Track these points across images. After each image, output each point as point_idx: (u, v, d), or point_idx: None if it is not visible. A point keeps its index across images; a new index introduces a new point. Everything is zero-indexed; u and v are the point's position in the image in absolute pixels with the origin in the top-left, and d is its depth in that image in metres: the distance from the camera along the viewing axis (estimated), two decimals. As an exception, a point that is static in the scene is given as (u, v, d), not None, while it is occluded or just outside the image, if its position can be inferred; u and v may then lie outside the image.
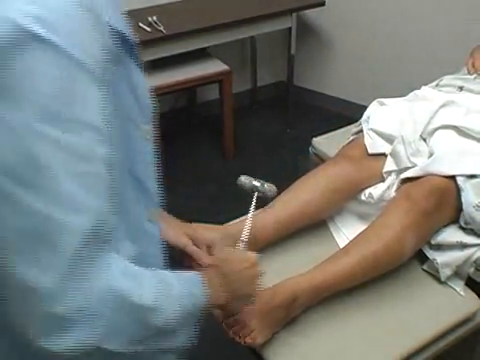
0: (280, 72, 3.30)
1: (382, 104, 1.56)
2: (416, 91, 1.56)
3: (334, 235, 1.43)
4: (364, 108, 3.12)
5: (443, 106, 1.38)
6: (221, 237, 1.21)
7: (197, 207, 2.55)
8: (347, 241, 1.36)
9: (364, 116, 1.53)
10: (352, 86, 3.19)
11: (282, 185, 2.58)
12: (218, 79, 2.68)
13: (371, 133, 1.44)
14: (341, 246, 1.36)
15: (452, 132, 1.30)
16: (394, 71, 2.96)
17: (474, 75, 1.56)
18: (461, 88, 1.53)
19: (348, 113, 3.16)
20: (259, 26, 2.70)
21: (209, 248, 1.17)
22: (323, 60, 3.27)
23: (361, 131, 1.51)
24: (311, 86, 3.36)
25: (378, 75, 3.04)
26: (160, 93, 2.58)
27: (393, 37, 2.90)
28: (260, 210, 1.39)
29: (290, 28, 2.82)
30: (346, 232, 1.41)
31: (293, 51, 2.92)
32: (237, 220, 1.43)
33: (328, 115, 3.25)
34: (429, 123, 1.37)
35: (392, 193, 1.40)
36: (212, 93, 3.11)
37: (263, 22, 2.69)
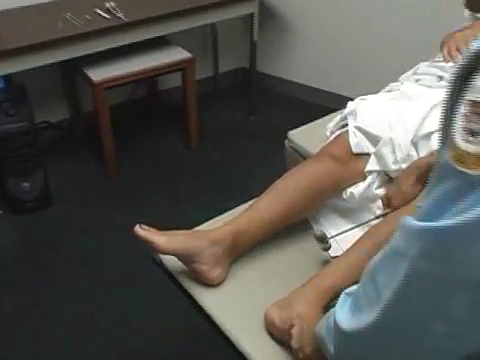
0: (242, 58, 3.23)
1: (364, 100, 1.51)
2: (401, 87, 1.51)
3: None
4: (327, 94, 3.16)
5: (435, 107, 1.35)
6: (208, 245, 1.16)
7: (164, 202, 2.47)
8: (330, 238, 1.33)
9: (347, 110, 1.48)
10: (315, 71, 3.16)
11: (250, 174, 2.59)
12: (181, 67, 2.59)
13: (356, 132, 1.40)
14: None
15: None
16: (359, 56, 2.95)
17: (450, 63, 1.54)
18: (441, 78, 1.51)
19: (311, 99, 3.14)
20: (221, 12, 2.62)
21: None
22: (286, 46, 3.22)
23: (344, 126, 1.47)
24: (273, 72, 3.31)
25: (342, 60, 3.02)
26: (121, 83, 2.47)
27: (357, 22, 2.88)
28: (241, 210, 1.35)
29: (252, 14, 2.76)
30: (329, 229, 1.37)
31: (255, 37, 2.86)
32: (211, 221, 1.39)
33: (291, 101, 3.22)
34: (421, 127, 1.33)
35: (373, 191, 1.38)
36: (172, 81, 3.02)
37: (225, 8, 2.61)
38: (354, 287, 0.77)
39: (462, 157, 0.53)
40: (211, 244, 1.16)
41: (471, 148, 0.52)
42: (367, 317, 0.66)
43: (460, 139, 0.53)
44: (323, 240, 1.28)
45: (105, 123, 2.47)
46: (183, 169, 2.71)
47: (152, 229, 1.15)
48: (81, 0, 2.53)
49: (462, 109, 0.53)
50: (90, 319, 1.94)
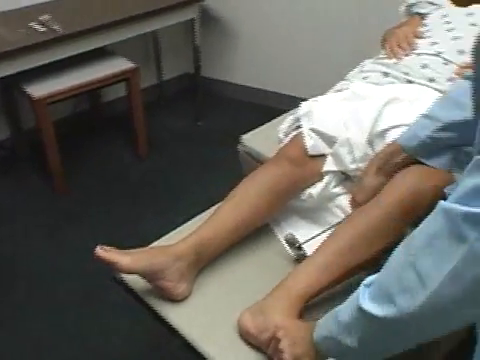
0: (186, 64, 3.21)
1: (316, 101, 1.51)
2: (351, 87, 1.52)
3: (279, 236, 1.39)
4: (272, 94, 3.18)
5: (387, 104, 1.37)
6: (172, 260, 1.13)
7: (116, 214, 2.41)
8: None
9: (300, 112, 1.48)
10: (259, 73, 3.17)
11: (201, 180, 2.57)
12: (125, 77, 2.53)
13: (311, 133, 1.40)
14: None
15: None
16: (301, 56, 2.98)
17: (393, 60, 1.57)
18: (386, 74, 1.53)
19: (256, 100, 3.15)
20: (162, 19, 2.59)
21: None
22: (229, 49, 3.21)
23: (298, 128, 1.47)
24: (218, 76, 3.30)
25: (285, 61, 3.04)
26: (63, 98, 2.39)
27: (297, 22, 2.91)
28: (198, 220, 1.34)
29: (193, 19, 2.74)
30: (291, 231, 1.37)
31: (198, 42, 2.84)
32: (170, 234, 1.36)
33: (237, 104, 3.22)
34: (375, 125, 1.35)
35: (331, 190, 1.39)
36: (115, 92, 2.96)
37: (166, 15, 2.58)
38: (371, 278, 0.80)
39: None
40: (175, 259, 1.14)
41: None
42: (407, 302, 0.69)
43: None
44: (293, 244, 1.28)
45: (49, 139, 2.39)
46: (133, 179, 2.66)
47: (113, 249, 1.11)
48: (13, 14, 2.43)
49: None
50: (43, 340, 1.86)
